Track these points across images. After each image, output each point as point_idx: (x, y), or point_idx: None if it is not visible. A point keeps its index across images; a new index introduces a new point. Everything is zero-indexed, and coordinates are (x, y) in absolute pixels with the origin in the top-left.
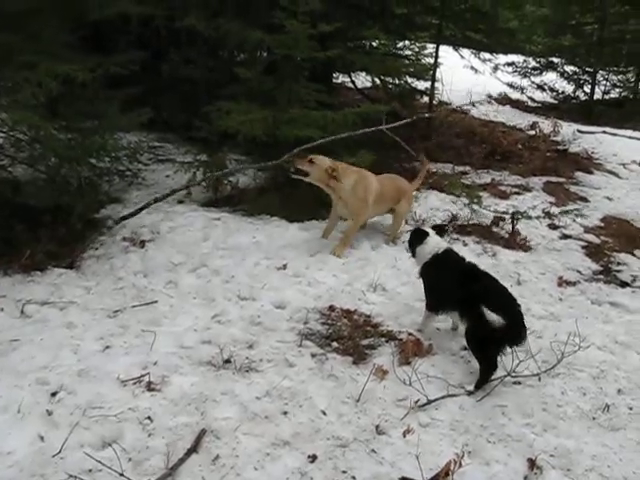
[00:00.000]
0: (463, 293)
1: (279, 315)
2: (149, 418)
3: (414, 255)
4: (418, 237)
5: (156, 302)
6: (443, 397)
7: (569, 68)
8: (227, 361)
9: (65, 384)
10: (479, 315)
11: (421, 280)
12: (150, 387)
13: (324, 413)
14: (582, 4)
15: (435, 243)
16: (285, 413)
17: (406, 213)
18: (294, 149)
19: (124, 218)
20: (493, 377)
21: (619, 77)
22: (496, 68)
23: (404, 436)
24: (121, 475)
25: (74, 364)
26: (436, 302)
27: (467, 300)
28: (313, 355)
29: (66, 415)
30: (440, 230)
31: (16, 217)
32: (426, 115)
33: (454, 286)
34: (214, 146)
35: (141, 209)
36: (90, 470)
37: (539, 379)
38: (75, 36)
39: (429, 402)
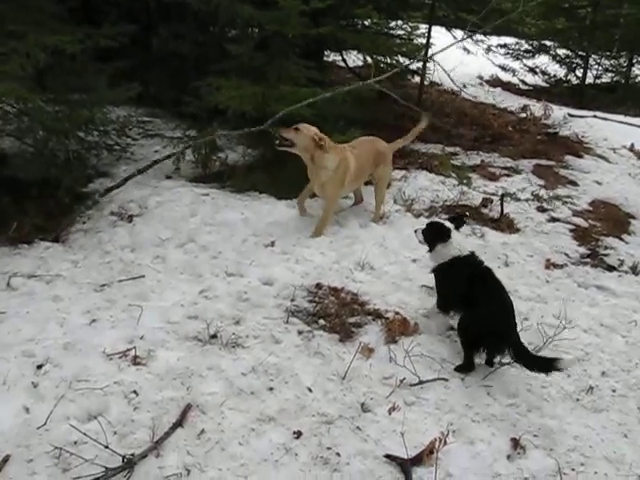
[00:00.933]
0: (469, 293)
1: (266, 292)
2: (135, 392)
3: (431, 250)
4: (440, 234)
5: (143, 277)
6: (434, 379)
7: (561, 51)
8: (213, 336)
9: (51, 357)
10: (476, 312)
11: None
12: (136, 361)
13: (310, 390)
14: None
15: (458, 244)
16: (271, 389)
17: (387, 178)
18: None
19: (109, 190)
20: (484, 360)
21: (611, 62)
22: (489, 50)
23: (389, 414)
24: (106, 447)
25: (60, 337)
26: (447, 303)
27: (470, 299)
28: (300, 332)
29: (52, 387)
30: (458, 221)
31: (3, 190)
32: (417, 108)
33: (465, 288)
34: (203, 122)
35: (125, 180)
36: (75, 442)
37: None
38: (64, 7)
39: (420, 382)
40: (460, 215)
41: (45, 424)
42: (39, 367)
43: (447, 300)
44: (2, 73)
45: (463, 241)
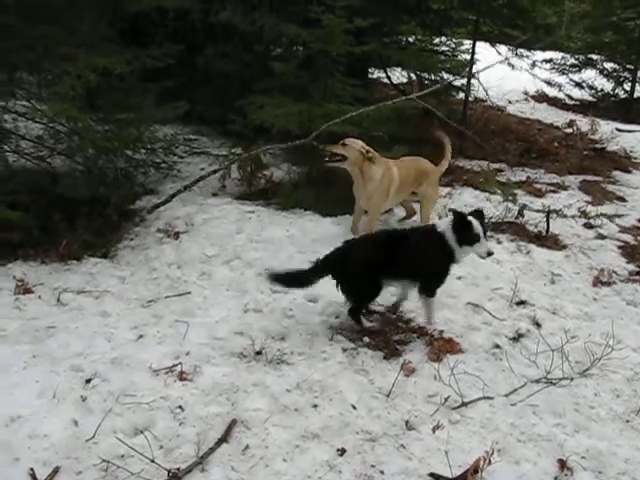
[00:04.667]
0: None
1: (311, 308)
2: (180, 407)
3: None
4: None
5: (189, 293)
6: (478, 399)
7: (609, 65)
8: (259, 353)
9: (99, 371)
10: None
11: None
12: (182, 377)
13: (354, 407)
14: None
15: None
16: (315, 406)
17: (433, 198)
18: (328, 144)
19: (156, 207)
20: (531, 379)
21: None
22: (534, 65)
23: (433, 432)
24: (152, 461)
25: (108, 352)
26: None
27: None
28: (344, 349)
29: (100, 401)
30: (479, 215)
31: (54, 207)
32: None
33: None
34: (249, 140)
35: (172, 196)
36: (122, 456)
37: (571, 380)
38: (113, 29)
39: (464, 404)
40: (479, 210)
41: (93, 437)
42: (87, 381)
43: None
44: (54, 94)
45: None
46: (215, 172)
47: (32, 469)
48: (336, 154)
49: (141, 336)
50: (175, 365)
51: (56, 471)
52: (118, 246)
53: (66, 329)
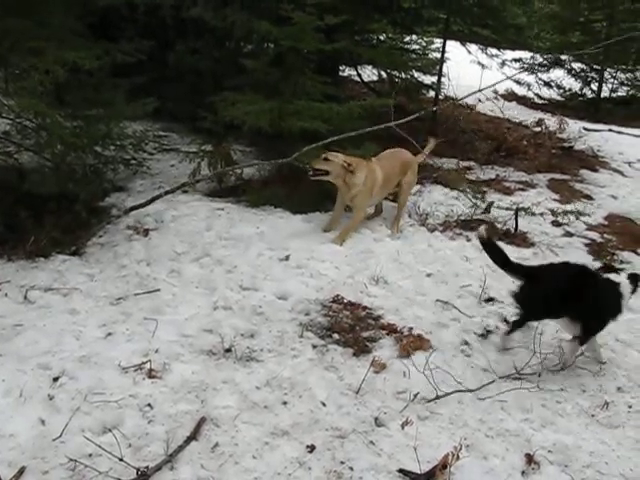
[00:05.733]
0: None
1: (281, 306)
2: (149, 405)
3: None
4: None
5: (159, 290)
6: (446, 394)
7: (576, 65)
8: (228, 350)
9: (67, 369)
10: None
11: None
12: (151, 374)
13: (323, 404)
14: (591, 1)
15: None
16: (285, 403)
17: (412, 184)
18: (300, 142)
19: (133, 209)
20: (499, 375)
21: (627, 75)
22: (503, 64)
23: (402, 428)
24: (120, 460)
25: (76, 350)
26: None
27: None
28: (314, 346)
29: (67, 400)
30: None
31: (21, 204)
32: (434, 109)
33: None
34: (219, 137)
35: (151, 200)
36: (90, 455)
37: (539, 375)
38: (83, 23)
39: (437, 397)
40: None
41: (60, 436)
42: (55, 380)
43: None
44: (21, 89)
45: None
46: (198, 182)
47: None
48: (319, 169)
49: (110, 334)
50: (144, 363)
51: (22, 471)
52: (87, 243)
53: (33, 327)
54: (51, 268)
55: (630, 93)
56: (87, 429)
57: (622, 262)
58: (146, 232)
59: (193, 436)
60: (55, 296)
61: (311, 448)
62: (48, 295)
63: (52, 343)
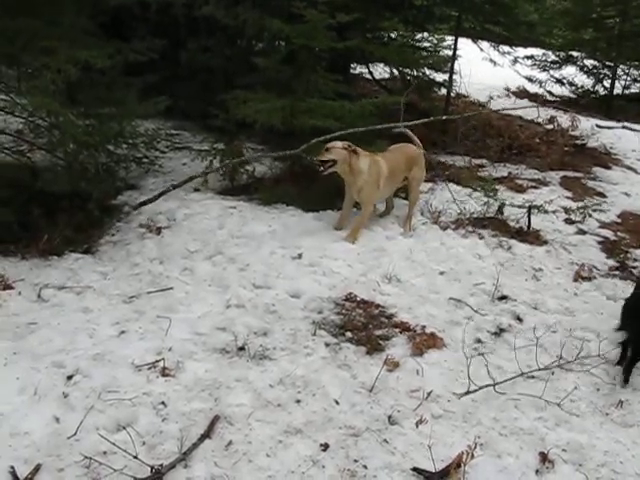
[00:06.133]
0: None
1: (294, 304)
2: (163, 403)
3: None
4: None
5: (172, 289)
6: (461, 394)
7: (589, 62)
8: (241, 348)
9: (81, 367)
10: None
11: None
12: (164, 372)
13: (337, 402)
14: None
15: None
16: (298, 401)
17: (421, 179)
18: (311, 139)
19: (142, 204)
20: (513, 373)
21: None
22: (515, 61)
23: (416, 427)
24: (135, 458)
25: (90, 348)
26: None
27: None
28: (327, 344)
29: (82, 398)
30: None
31: (34, 202)
32: (443, 117)
33: None
34: (231, 135)
35: (159, 195)
36: (105, 452)
37: (553, 374)
38: (94, 22)
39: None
40: None
41: (75, 434)
42: (69, 378)
43: None
44: (34, 88)
45: None
46: (207, 174)
47: (12, 467)
48: (326, 161)
49: (123, 332)
50: (157, 361)
51: (37, 469)
52: (100, 241)
53: (47, 325)
54: (64, 266)
55: None
56: (101, 427)
57: (635, 260)
58: (159, 230)
59: (207, 434)
60: (68, 294)
61: (325, 446)
62: (62, 293)
63: (66, 341)
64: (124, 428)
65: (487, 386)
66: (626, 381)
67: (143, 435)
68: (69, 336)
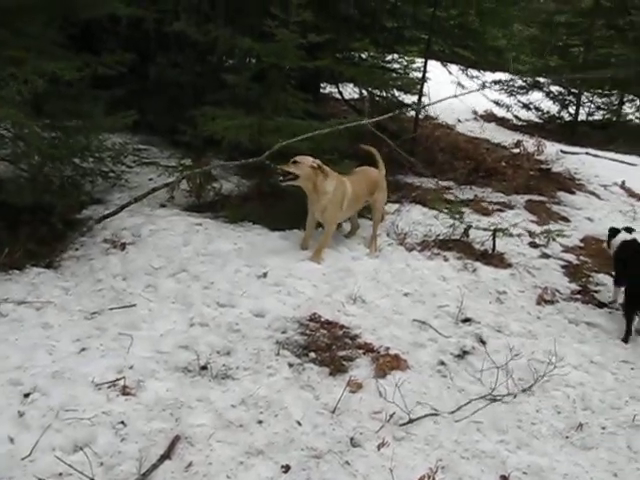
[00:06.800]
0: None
1: (258, 323)
2: (123, 423)
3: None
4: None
5: (134, 305)
6: (424, 416)
7: (555, 88)
8: (204, 367)
9: (39, 385)
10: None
11: None
12: (125, 391)
13: (299, 423)
14: (569, 26)
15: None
16: (260, 422)
17: (383, 200)
18: (279, 160)
19: (104, 217)
20: (475, 396)
21: (603, 100)
22: (483, 85)
23: (378, 449)
24: None
25: (49, 365)
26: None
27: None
28: (290, 365)
29: (38, 417)
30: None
31: None
32: (412, 136)
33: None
34: (198, 151)
35: (121, 208)
36: (60, 474)
37: (514, 396)
38: (64, 34)
39: (410, 421)
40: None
41: (30, 455)
42: (26, 396)
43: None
44: None
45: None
46: (167, 185)
47: None
48: (288, 172)
49: (84, 349)
50: (118, 379)
51: None
52: (62, 256)
53: (5, 341)
54: (25, 281)
55: (606, 117)
56: (58, 447)
57: (597, 284)
58: (123, 246)
59: (167, 455)
60: (28, 310)
61: (286, 468)
62: (21, 308)
63: (24, 358)
64: (81, 449)
65: (432, 415)
66: (626, 340)
67: (101, 456)
68: (27, 352)
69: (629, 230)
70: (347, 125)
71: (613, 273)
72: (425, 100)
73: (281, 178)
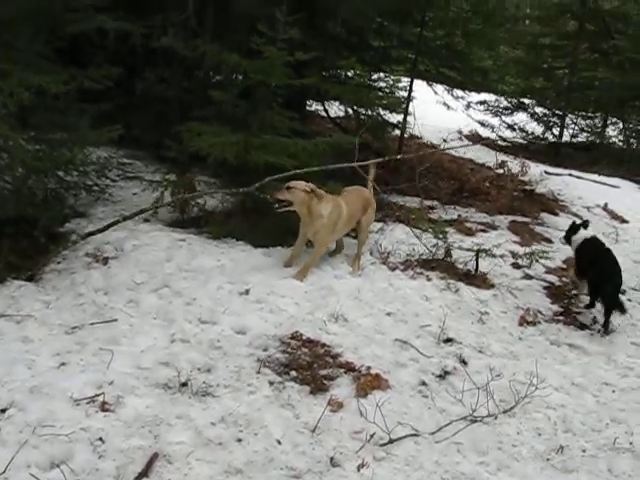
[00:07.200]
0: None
1: (239, 340)
2: (101, 439)
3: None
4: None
5: (116, 320)
6: (404, 437)
7: (539, 110)
8: (184, 384)
9: (16, 400)
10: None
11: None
12: (104, 407)
13: (279, 442)
14: (554, 49)
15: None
16: (239, 440)
17: (371, 220)
18: (265, 177)
19: (90, 234)
20: (456, 417)
21: (587, 122)
22: (468, 106)
23: (358, 470)
24: None
25: (27, 380)
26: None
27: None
28: (271, 383)
29: (15, 433)
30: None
31: None
32: (398, 157)
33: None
34: (183, 167)
35: (108, 226)
36: None
37: (495, 418)
38: (51, 47)
39: (391, 441)
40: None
41: (4, 472)
42: (3, 411)
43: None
44: None
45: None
46: (158, 207)
47: None
48: (282, 200)
49: (63, 364)
50: (97, 395)
51: None
52: (44, 269)
53: None
54: (5, 294)
55: (589, 139)
56: (34, 464)
57: (579, 306)
58: (105, 260)
59: (145, 472)
60: (8, 323)
61: None
62: (1, 322)
63: (2, 372)
64: (58, 466)
65: (407, 436)
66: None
67: (78, 473)
68: (6, 367)
69: (586, 226)
70: (334, 167)
71: (575, 267)
72: (410, 119)
73: (276, 205)
